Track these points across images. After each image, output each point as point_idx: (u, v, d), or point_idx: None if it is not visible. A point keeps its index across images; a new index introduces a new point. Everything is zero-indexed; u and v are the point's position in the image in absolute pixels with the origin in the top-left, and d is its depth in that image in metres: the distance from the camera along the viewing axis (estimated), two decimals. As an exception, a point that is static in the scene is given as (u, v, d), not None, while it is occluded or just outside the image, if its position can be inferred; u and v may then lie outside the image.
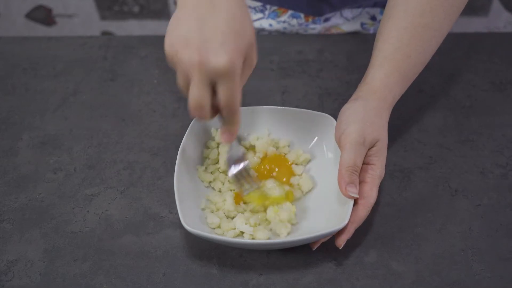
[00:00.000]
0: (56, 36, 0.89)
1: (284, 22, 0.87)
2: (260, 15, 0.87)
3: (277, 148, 0.64)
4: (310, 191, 0.61)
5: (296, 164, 0.63)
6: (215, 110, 0.49)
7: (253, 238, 0.55)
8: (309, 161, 0.64)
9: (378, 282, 0.54)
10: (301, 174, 0.62)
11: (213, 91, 0.47)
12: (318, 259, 0.56)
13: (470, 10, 1.64)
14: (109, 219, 0.60)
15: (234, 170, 0.58)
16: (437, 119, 0.71)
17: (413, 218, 0.59)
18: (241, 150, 0.59)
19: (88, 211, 0.61)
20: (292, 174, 0.62)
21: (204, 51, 0.44)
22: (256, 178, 0.60)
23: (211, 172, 0.62)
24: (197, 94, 0.46)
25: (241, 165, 0.58)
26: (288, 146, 0.64)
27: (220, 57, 0.44)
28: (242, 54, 0.45)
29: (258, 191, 0.58)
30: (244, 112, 0.64)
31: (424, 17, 0.57)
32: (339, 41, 0.84)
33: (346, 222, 0.51)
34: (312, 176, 0.62)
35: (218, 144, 0.64)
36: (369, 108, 0.57)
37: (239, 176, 0.58)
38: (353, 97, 0.59)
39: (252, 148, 0.64)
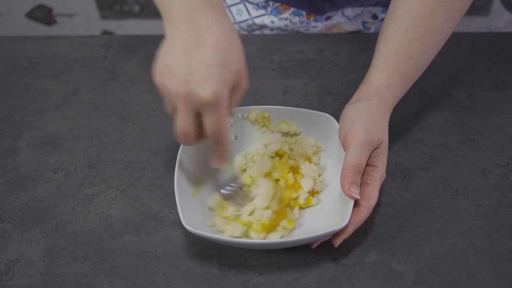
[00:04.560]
0: (56, 35, 0.89)
1: (286, 19, 0.87)
2: (262, 11, 0.87)
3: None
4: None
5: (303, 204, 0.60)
6: (202, 135, 0.49)
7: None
8: (316, 204, 0.60)
9: (378, 282, 0.54)
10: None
11: (200, 119, 0.47)
12: (319, 259, 0.56)
13: (471, 10, 1.63)
14: (110, 218, 0.60)
15: (227, 190, 0.58)
16: (438, 118, 0.71)
17: (413, 218, 0.59)
18: (232, 172, 0.60)
19: (88, 211, 0.61)
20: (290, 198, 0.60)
21: (189, 84, 0.44)
22: (248, 198, 0.59)
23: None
24: (182, 123, 0.47)
25: (234, 185, 0.59)
26: (319, 176, 0.62)
27: (204, 90, 0.44)
28: (228, 84, 0.46)
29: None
30: (244, 111, 0.64)
31: (426, 19, 0.57)
32: (339, 40, 0.84)
33: (346, 222, 0.51)
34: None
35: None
36: (372, 109, 0.57)
37: (233, 195, 0.59)
38: (354, 97, 0.59)
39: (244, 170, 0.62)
